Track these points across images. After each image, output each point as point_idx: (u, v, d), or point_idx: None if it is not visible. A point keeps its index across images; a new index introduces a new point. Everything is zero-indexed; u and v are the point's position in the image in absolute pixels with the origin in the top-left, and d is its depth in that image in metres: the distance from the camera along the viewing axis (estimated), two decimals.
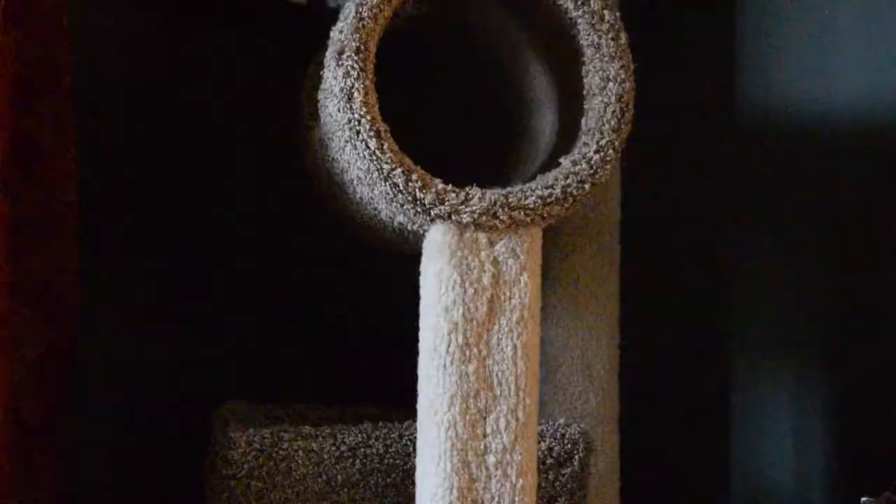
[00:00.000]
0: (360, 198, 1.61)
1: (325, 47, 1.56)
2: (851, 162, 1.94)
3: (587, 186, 1.54)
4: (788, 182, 2.02)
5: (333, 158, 1.60)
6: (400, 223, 1.57)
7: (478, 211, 1.49)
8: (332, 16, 1.60)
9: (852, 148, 1.94)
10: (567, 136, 1.69)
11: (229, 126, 2.17)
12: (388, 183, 1.48)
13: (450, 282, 1.48)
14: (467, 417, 1.47)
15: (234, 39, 2.21)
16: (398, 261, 1.72)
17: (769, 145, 2.06)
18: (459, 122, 1.99)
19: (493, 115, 1.95)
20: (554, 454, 1.65)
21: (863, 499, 1.57)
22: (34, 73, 1.79)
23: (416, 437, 1.54)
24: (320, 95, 1.57)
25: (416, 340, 1.53)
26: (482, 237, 1.51)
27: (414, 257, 1.58)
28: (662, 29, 2.14)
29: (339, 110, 1.49)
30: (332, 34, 1.53)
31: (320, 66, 1.57)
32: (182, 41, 2.15)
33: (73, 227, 1.85)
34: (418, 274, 1.55)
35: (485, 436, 1.48)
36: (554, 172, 1.56)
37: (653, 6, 2.09)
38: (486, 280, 1.49)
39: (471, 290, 1.48)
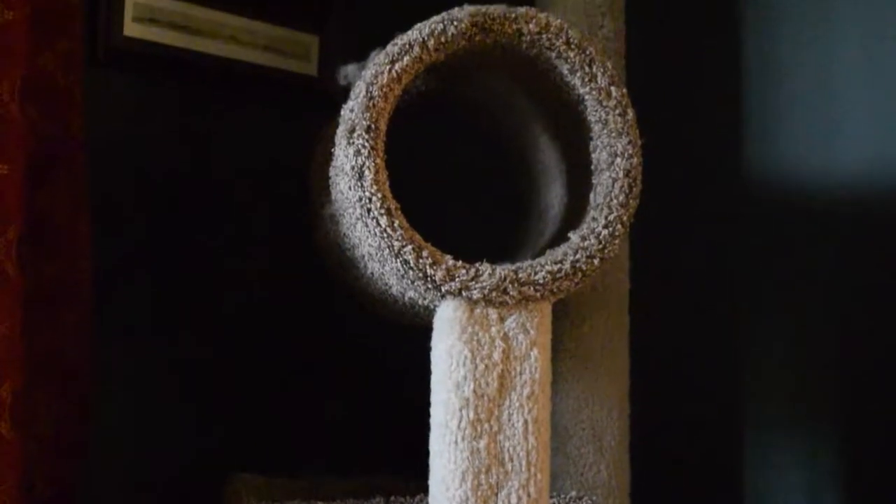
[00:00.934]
0: (372, 273, 1.62)
1: (335, 120, 1.59)
2: (856, 227, 1.96)
3: (596, 262, 1.56)
4: (795, 247, 2.03)
5: (345, 234, 1.62)
6: (411, 298, 1.58)
7: (488, 287, 1.50)
8: (343, 93, 1.63)
9: (856, 214, 1.95)
10: (576, 209, 1.71)
11: (241, 199, 2.19)
12: (398, 260, 1.49)
13: (461, 357, 1.49)
14: (479, 493, 1.48)
15: (246, 112, 2.24)
16: (409, 333, 1.73)
17: (775, 211, 2.07)
18: (469, 193, 2.01)
19: (503, 186, 1.97)
20: None
21: None
22: (49, 150, 1.82)
23: None
24: (331, 172, 1.59)
25: (428, 412, 1.54)
26: (492, 313, 1.52)
27: (425, 329, 1.59)
28: (670, 97, 2.17)
29: (350, 188, 1.50)
30: (342, 112, 1.55)
31: (331, 141, 1.59)
32: (194, 114, 2.18)
33: (86, 300, 1.87)
34: (429, 348, 1.56)
35: None
36: (563, 247, 1.57)
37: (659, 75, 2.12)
38: (496, 356, 1.50)
39: (482, 366, 1.49)
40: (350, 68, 1.65)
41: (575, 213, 1.70)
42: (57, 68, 1.83)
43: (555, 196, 1.82)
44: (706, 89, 2.18)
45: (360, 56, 1.70)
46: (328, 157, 1.61)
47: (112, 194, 2.01)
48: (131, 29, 2.06)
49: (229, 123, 2.20)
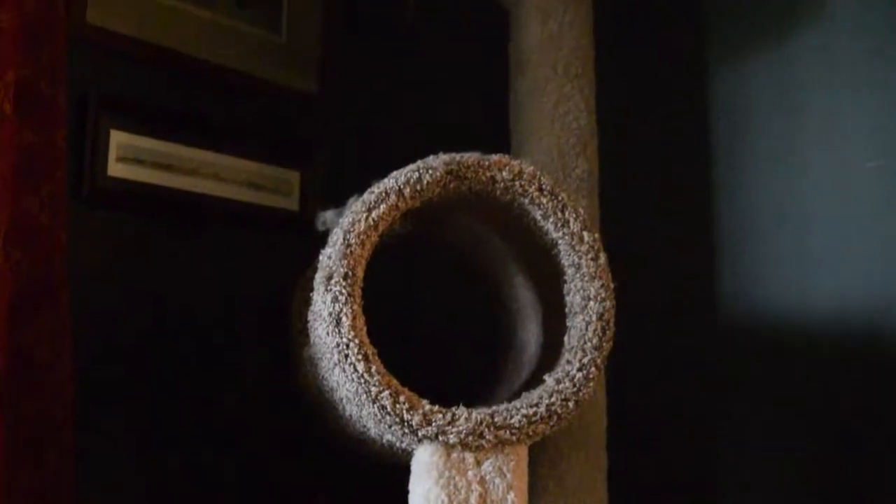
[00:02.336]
0: (350, 415, 1.63)
1: (315, 257, 1.62)
2: (828, 360, 1.98)
3: (572, 405, 1.57)
4: (769, 381, 2.05)
5: (323, 377, 1.64)
6: (389, 441, 1.59)
7: (464, 431, 1.52)
8: (322, 238, 1.66)
9: (828, 354, 1.97)
10: (552, 349, 1.73)
11: (224, 335, 2.21)
12: (375, 405, 1.51)
13: (437, 502, 1.50)
14: None
15: (229, 248, 2.27)
16: (388, 474, 1.74)
17: (748, 344, 2.10)
18: (448, 330, 2.03)
19: (480, 324, 1.99)
20: None
21: None
22: (33, 290, 1.83)
23: None
24: (310, 317, 1.61)
25: None
26: (469, 457, 1.53)
27: (404, 470, 1.60)
28: (644, 234, 2.21)
29: (327, 334, 1.52)
30: (320, 258, 1.58)
31: (310, 284, 1.61)
32: (178, 251, 2.20)
33: (69, 440, 1.86)
34: (408, 490, 1.57)
35: None
36: (538, 390, 1.59)
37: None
38: (473, 500, 1.50)
39: None
40: (328, 214, 1.69)
41: (551, 352, 1.72)
42: (41, 211, 1.85)
43: (531, 335, 1.84)
44: (679, 226, 2.22)
45: (341, 192, 1.73)
46: (307, 301, 1.63)
47: (96, 330, 2.02)
48: (115, 169, 2.10)
49: (213, 259, 2.23)
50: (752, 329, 2.08)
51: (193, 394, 2.15)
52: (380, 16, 2.25)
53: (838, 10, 2.03)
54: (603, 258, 1.65)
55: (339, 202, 1.72)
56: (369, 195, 1.58)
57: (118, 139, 2.10)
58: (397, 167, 1.66)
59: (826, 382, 1.97)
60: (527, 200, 1.65)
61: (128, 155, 2.11)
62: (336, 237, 1.57)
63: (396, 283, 1.90)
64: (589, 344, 1.61)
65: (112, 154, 2.09)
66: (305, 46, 2.46)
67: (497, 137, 2.02)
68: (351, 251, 1.55)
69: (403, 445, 1.57)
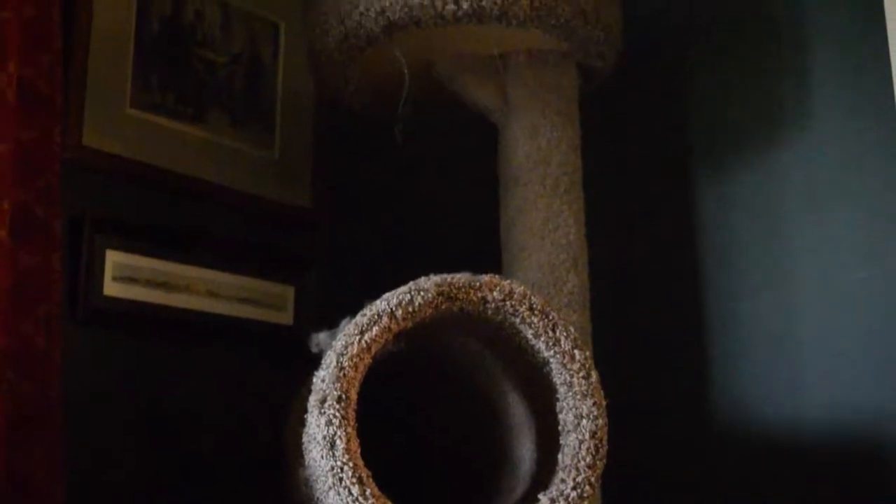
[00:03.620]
0: None
1: (309, 379, 1.62)
2: (818, 468, 1.98)
3: None
4: (761, 499, 2.05)
5: (318, 499, 1.63)
6: None
7: None
8: (315, 359, 1.67)
9: (820, 466, 1.98)
10: (546, 465, 1.73)
11: (220, 452, 2.21)
12: None
13: None
14: None
15: (225, 363, 2.28)
16: None
17: (740, 453, 2.10)
18: (442, 446, 2.03)
19: (476, 440, 1.99)
20: None
21: None
22: (27, 412, 1.84)
23: None
24: (304, 438, 1.61)
25: None
26: None
27: None
28: (638, 355, 2.22)
29: (322, 457, 1.53)
30: (314, 381, 1.59)
31: (305, 401, 1.62)
32: (174, 368, 2.21)
33: None
34: None
35: None
36: None
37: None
38: None
39: None
40: (321, 336, 1.70)
41: (546, 469, 1.72)
42: (37, 334, 1.87)
43: (526, 451, 1.84)
44: (670, 339, 2.23)
45: (335, 306, 1.75)
46: (302, 421, 1.64)
47: (92, 449, 2.02)
48: (111, 288, 2.12)
49: (209, 375, 2.24)
50: (744, 441, 2.08)
51: None
52: (371, 134, 2.29)
53: (821, 123, 2.07)
54: (595, 376, 1.66)
55: (332, 315, 1.73)
56: (361, 317, 1.60)
57: (114, 258, 2.13)
58: (390, 279, 1.68)
59: (818, 495, 1.97)
60: (518, 320, 1.67)
61: (123, 274, 2.14)
62: (329, 360, 1.58)
63: (391, 401, 1.91)
64: (583, 462, 1.61)
65: (108, 273, 2.11)
66: (298, 164, 2.50)
67: (488, 253, 2.04)
68: (344, 374, 1.56)
69: None
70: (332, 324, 1.73)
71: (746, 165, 2.17)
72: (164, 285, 2.20)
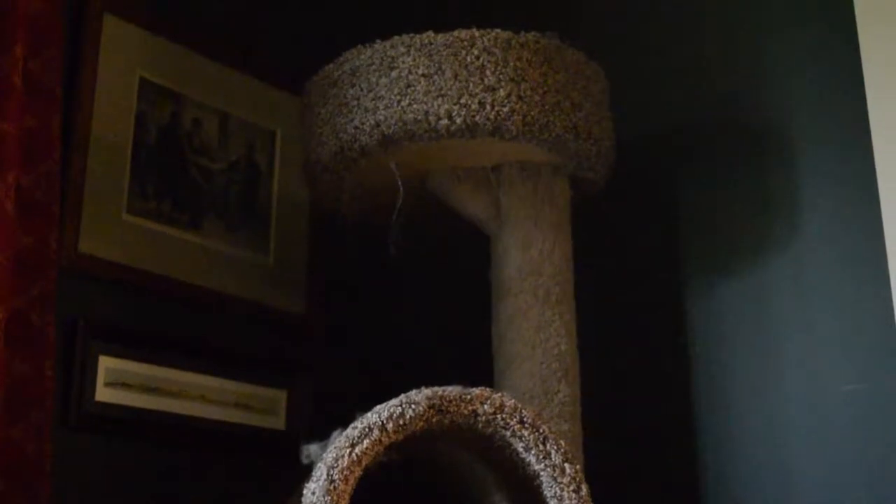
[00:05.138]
0: None
1: (300, 482, 1.62)
2: None
3: None
4: None
5: None
6: None
7: None
8: (307, 468, 1.67)
9: None
10: None
11: None
12: None
13: None
14: None
15: (216, 468, 2.28)
16: None
17: None
18: None
19: None
20: None
21: None
22: None
23: None
24: None
25: None
26: None
27: None
28: (630, 465, 2.22)
29: None
30: (304, 494, 1.59)
31: None
32: (165, 473, 2.21)
33: None
34: None
35: None
36: None
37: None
38: None
39: None
40: (312, 448, 1.70)
41: None
42: (27, 441, 1.88)
43: None
44: (661, 448, 2.23)
45: (326, 410, 1.76)
46: None
47: None
48: (103, 394, 2.13)
49: (200, 480, 2.24)
50: None
51: None
52: (365, 242, 2.32)
53: (809, 233, 2.10)
54: (585, 489, 1.66)
55: (325, 421, 1.73)
56: (352, 430, 1.60)
57: (107, 364, 2.14)
58: (383, 387, 1.69)
59: None
60: (509, 433, 1.67)
61: (116, 379, 2.15)
62: (320, 472, 1.58)
63: None
64: None
65: (100, 379, 2.13)
66: (293, 270, 2.52)
67: (481, 361, 2.05)
68: (334, 487, 1.56)
69: None
70: (323, 431, 1.73)
71: (736, 275, 2.20)
72: (157, 390, 2.21)
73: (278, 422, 2.41)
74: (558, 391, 1.99)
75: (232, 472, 2.30)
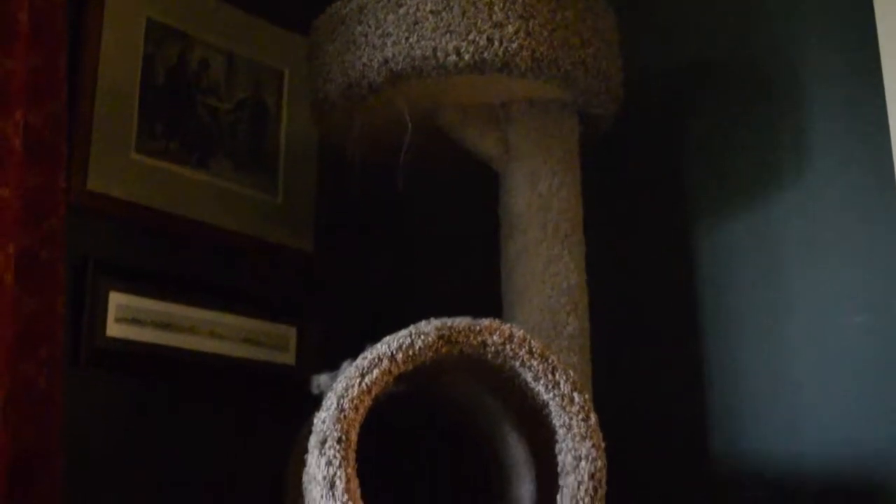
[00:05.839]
0: None
1: (311, 415, 1.63)
2: None
3: None
4: None
5: None
6: None
7: None
8: (317, 401, 1.68)
9: (816, 495, 1.98)
10: None
11: (223, 492, 2.22)
12: None
13: None
14: None
15: (227, 403, 2.29)
16: None
17: (739, 496, 2.10)
18: (443, 487, 2.04)
19: (475, 481, 2.00)
20: None
21: None
22: (26, 455, 1.86)
23: None
24: (304, 478, 1.62)
25: None
26: None
27: None
28: (637, 396, 2.23)
29: (321, 497, 1.54)
30: (315, 422, 1.60)
31: (306, 442, 1.63)
32: (176, 408, 2.23)
33: None
34: None
35: None
36: None
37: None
38: None
39: None
40: (322, 378, 1.72)
41: None
42: (39, 375, 1.89)
43: (525, 491, 1.85)
44: (669, 381, 2.24)
45: (336, 346, 1.77)
46: (303, 461, 1.65)
47: (94, 491, 2.03)
48: (114, 329, 2.14)
49: (211, 415, 2.25)
50: (742, 482, 2.09)
51: None
52: (374, 180, 2.32)
53: (817, 169, 2.10)
54: (594, 418, 1.68)
55: (334, 357, 1.75)
56: (362, 360, 1.62)
57: (117, 300, 2.15)
58: (392, 321, 1.70)
59: None
60: (518, 363, 1.68)
61: (126, 315, 2.16)
62: (330, 401, 1.60)
63: (392, 441, 1.92)
64: (581, 503, 1.62)
65: (111, 315, 2.13)
66: (301, 207, 2.52)
67: (489, 297, 2.06)
68: (344, 416, 1.57)
69: None
70: (333, 365, 1.75)
71: (744, 212, 2.19)
72: (167, 326, 2.22)
73: (288, 357, 2.43)
74: (567, 325, 1.99)
75: (242, 406, 2.32)
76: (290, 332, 2.45)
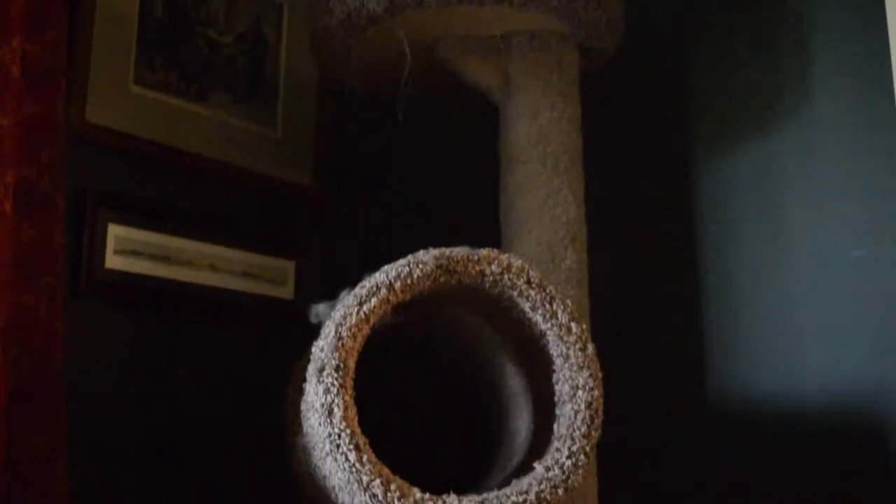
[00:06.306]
0: (343, 503, 1.65)
1: (309, 347, 1.64)
2: (815, 450, 2.00)
3: (561, 492, 1.59)
4: (758, 471, 2.07)
5: (316, 465, 1.66)
6: None
7: None
8: (315, 329, 1.69)
9: (815, 431, 1.99)
10: (542, 437, 1.75)
11: (220, 424, 2.23)
12: (367, 493, 1.53)
13: None
14: None
15: (225, 336, 2.30)
16: None
17: (737, 430, 2.12)
18: (440, 418, 2.05)
19: (473, 411, 2.01)
20: None
21: None
22: (28, 384, 1.86)
23: None
24: (302, 406, 1.63)
25: None
26: None
27: None
28: (636, 330, 2.24)
29: (319, 424, 1.55)
30: (313, 350, 1.61)
31: (304, 372, 1.64)
32: (174, 341, 2.23)
33: None
34: None
35: None
36: (528, 478, 1.61)
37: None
38: None
39: None
40: (321, 307, 1.72)
41: (541, 440, 1.74)
42: (39, 305, 1.89)
43: (522, 422, 1.86)
44: (668, 314, 2.25)
45: (335, 280, 1.77)
46: (300, 390, 1.66)
47: (92, 422, 2.04)
48: (113, 262, 2.14)
49: (209, 348, 2.26)
50: (739, 412, 2.10)
51: (188, 480, 2.16)
52: (373, 113, 2.31)
53: (818, 105, 2.09)
54: (591, 348, 1.69)
55: (332, 290, 1.75)
56: (360, 289, 1.62)
57: (116, 232, 2.15)
58: (390, 256, 1.70)
59: (813, 464, 1.99)
60: (515, 293, 1.69)
61: (125, 248, 2.16)
62: (328, 330, 1.60)
63: (389, 372, 1.93)
64: (578, 432, 1.63)
65: (110, 247, 2.13)
66: (300, 141, 2.52)
67: (488, 231, 2.06)
68: (342, 343, 1.58)
69: None
70: (331, 298, 1.75)
71: (745, 147, 2.19)
72: (166, 259, 2.22)
73: (286, 291, 2.43)
74: (565, 258, 2.00)
75: (240, 339, 2.33)
76: (289, 267, 2.45)
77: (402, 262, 1.65)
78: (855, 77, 2.07)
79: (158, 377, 2.20)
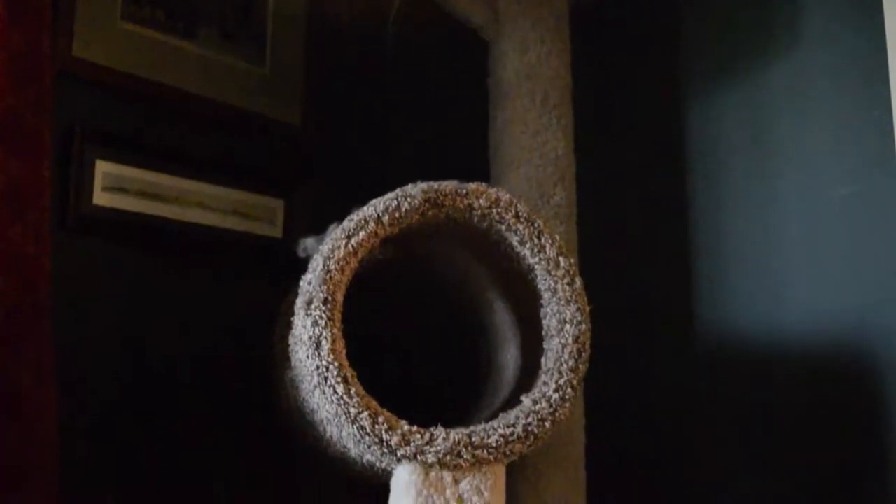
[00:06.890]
0: (331, 436, 1.66)
1: (297, 283, 1.65)
2: (801, 386, 2.01)
3: (548, 424, 1.60)
4: (745, 407, 2.08)
5: (304, 399, 1.67)
6: (368, 461, 1.62)
7: (442, 451, 1.54)
8: (303, 263, 1.69)
9: (801, 368, 2.01)
10: (529, 371, 1.76)
11: (208, 361, 2.24)
12: (355, 426, 1.54)
13: None
14: None
15: (213, 274, 2.30)
16: (369, 493, 1.76)
17: (723, 364, 2.13)
18: (428, 352, 2.06)
19: (461, 346, 2.02)
20: None
21: None
22: (16, 319, 1.86)
23: None
24: (291, 340, 1.64)
25: None
26: (447, 476, 1.56)
27: (385, 489, 1.62)
28: (623, 266, 2.25)
29: (307, 357, 1.55)
30: (301, 284, 1.61)
31: (292, 307, 1.64)
32: (162, 278, 2.23)
33: (52, 469, 1.87)
34: None
35: None
36: (515, 411, 1.62)
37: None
38: None
39: None
40: (309, 241, 1.72)
41: (528, 374, 1.75)
42: (26, 239, 1.88)
43: (510, 357, 1.87)
44: (655, 251, 2.26)
45: (324, 219, 1.77)
46: (289, 325, 1.66)
47: (80, 358, 2.05)
48: (101, 198, 2.13)
49: (197, 286, 2.26)
50: (727, 351, 2.11)
51: (177, 418, 2.17)
52: (362, 50, 2.29)
53: (809, 42, 2.08)
54: (579, 282, 1.69)
55: (322, 228, 1.75)
56: (349, 222, 1.62)
57: (103, 169, 2.14)
58: (379, 194, 1.70)
59: (799, 401, 2.00)
60: (504, 227, 1.69)
61: (113, 184, 2.15)
62: (316, 263, 1.60)
63: (378, 307, 1.93)
64: (565, 366, 1.64)
65: (97, 183, 2.12)
66: (289, 78, 2.50)
67: (478, 168, 2.06)
68: (330, 277, 1.58)
69: (383, 465, 1.59)
70: (320, 233, 1.75)
71: (734, 84, 2.18)
72: (154, 196, 2.21)
73: (276, 230, 2.42)
74: (554, 194, 2.00)
75: (228, 277, 2.33)
76: (278, 205, 2.45)
77: (390, 195, 1.65)
78: (845, 19, 2.05)
79: (146, 314, 2.20)
